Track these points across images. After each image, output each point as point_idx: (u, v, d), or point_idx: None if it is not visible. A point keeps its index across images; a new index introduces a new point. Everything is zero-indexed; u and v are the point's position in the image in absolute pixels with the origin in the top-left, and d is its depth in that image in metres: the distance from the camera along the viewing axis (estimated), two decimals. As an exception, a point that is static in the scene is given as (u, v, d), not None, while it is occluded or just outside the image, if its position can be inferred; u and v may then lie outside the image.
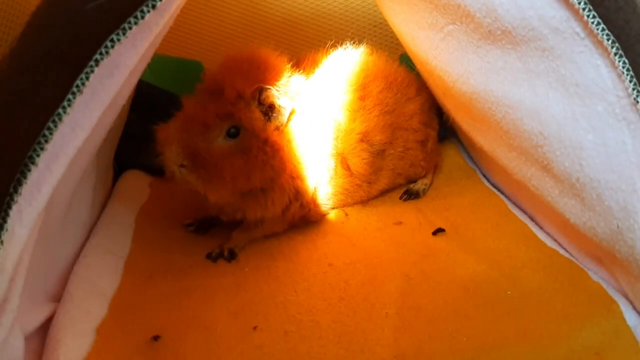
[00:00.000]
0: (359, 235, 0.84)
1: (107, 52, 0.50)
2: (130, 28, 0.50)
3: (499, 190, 0.92)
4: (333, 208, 0.90)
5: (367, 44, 0.98)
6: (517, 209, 0.86)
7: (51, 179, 0.52)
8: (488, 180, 0.96)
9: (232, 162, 0.75)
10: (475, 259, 0.75)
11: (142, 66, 0.70)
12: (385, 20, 1.31)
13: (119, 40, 0.50)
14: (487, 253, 0.76)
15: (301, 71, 0.87)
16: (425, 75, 0.90)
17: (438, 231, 0.82)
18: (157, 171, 1.03)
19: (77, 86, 0.49)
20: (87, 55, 0.49)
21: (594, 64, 0.54)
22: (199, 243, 0.84)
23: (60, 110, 0.49)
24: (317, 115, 0.84)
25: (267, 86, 0.77)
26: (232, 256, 0.80)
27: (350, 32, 1.29)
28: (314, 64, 0.92)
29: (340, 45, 0.97)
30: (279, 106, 0.78)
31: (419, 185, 0.95)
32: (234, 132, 0.76)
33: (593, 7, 0.51)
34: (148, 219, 0.88)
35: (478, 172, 0.99)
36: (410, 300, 0.69)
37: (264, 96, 0.77)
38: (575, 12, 0.53)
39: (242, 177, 0.76)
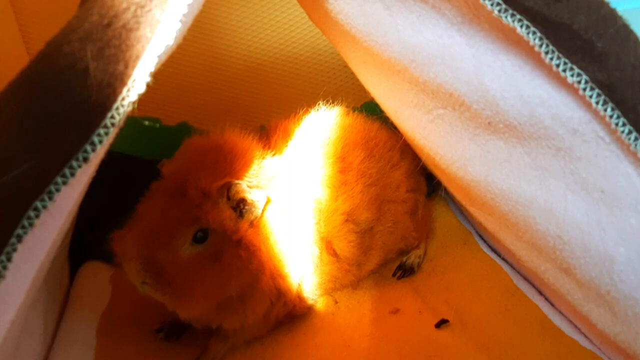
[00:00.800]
0: (353, 331, 0.75)
1: (30, 225, 0.40)
2: (58, 190, 0.40)
3: (498, 255, 0.84)
4: (320, 296, 0.81)
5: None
6: (523, 282, 0.78)
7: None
8: (485, 241, 0.88)
9: (202, 273, 0.66)
10: (486, 358, 0.66)
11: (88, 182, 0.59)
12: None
13: (44, 207, 0.40)
14: (499, 349, 0.67)
15: (272, 148, 0.77)
16: (411, 143, 0.81)
17: (442, 323, 0.73)
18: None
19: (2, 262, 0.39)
20: (6, 232, 0.39)
21: (624, 172, 0.46)
22: (171, 355, 0.74)
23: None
24: (295, 198, 0.75)
25: (236, 181, 0.68)
26: (211, 372, 0.71)
27: (318, 74, 1.21)
28: (286, 134, 0.82)
29: (311, 99, 0.88)
30: (252, 201, 0.68)
31: (412, 259, 0.86)
32: (201, 237, 0.67)
33: (622, 113, 0.43)
34: (111, 330, 0.77)
35: (474, 233, 0.91)
36: None
37: (233, 192, 0.68)
38: (598, 116, 0.44)
39: (215, 289, 0.67)
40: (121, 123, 0.42)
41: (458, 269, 0.83)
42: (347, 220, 0.78)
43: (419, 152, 0.79)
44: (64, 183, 0.40)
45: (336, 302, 0.80)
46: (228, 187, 0.67)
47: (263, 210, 0.70)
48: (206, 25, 1.16)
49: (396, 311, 0.77)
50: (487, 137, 0.56)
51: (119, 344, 0.75)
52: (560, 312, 0.72)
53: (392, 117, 0.73)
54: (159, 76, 1.29)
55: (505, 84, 0.49)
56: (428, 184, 0.93)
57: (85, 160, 0.40)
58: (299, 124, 0.84)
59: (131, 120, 1.23)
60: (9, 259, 0.39)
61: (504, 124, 0.52)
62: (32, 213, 0.39)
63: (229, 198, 0.68)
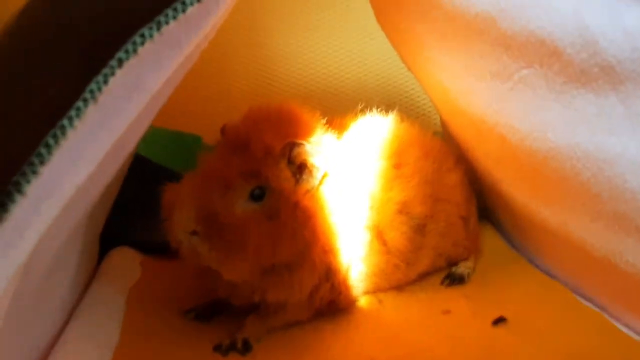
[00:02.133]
0: (400, 326, 0.69)
1: (134, 51, 0.38)
2: (166, 22, 0.39)
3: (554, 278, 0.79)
4: (364, 293, 0.76)
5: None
6: (583, 299, 0.73)
7: (39, 222, 0.38)
8: (538, 268, 0.84)
9: (256, 230, 0.62)
10: (553, 357, 0.61)
11: (160, 103, 0.58)
12: (400, 99, 1.24)
13: (151, 36, 0.38)
14: (565, 349, 0.62)
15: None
16: (469, 143, 0.80)
17: (499, 321, 0.68)
18: (148, 249, 0.89)
19: (92, 92, 0.37)
20: (109, 50, 0.37)
21: None
22: (204, 331, 0.68)
23: (65, 121, 0.36)
24: (349, 181, 0.72)
25: (300, 141, 0.66)
26: (246, 349, 0.64)
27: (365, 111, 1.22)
28: (342, 127, 0.81)
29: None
30: (312, 165, 0.66)
31: (462, 269, 0.81)
32: (258, 194, 0.64)
33: None
34: (140, 302, 0.72)
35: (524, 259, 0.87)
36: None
37: (295, 153, 0.66)
38: None
39: (266, 249, 0.63)
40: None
41: (511, 283, 0.78)
42: (400, 212, 0.75)
43: (476, 149, 0.78)
44: (174, 18, 0.39)
45: (381, 301, 0.75)
46: (291, 147, 0.66)
47: (320, 183, 0.68)
48: (258, 50, 1.19)
49: (447, 312, 0.71)
50: (575, 92, 0.55)
51: (148, 315, 0.70)
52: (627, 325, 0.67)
53: (459, 106, 0.73)
54: (205, 94, 1.30)
55: (606, 19, 0.49)
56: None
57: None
58: (355, 121, 0.83)
59: (173, 135, 1.24)
60: (105, 82, 0.37)
61: (600, 66, 0.51)
62: (138, 39, 0.38)
63: (290, 160, 0.66)
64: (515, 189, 0.74)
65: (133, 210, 0.94)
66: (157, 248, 0.88)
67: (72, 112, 0.36)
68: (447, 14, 0.62)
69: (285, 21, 1.16)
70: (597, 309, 0.70)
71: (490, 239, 0.91)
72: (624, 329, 0.66)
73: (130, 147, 0.58)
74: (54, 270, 0.59)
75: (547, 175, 0.63)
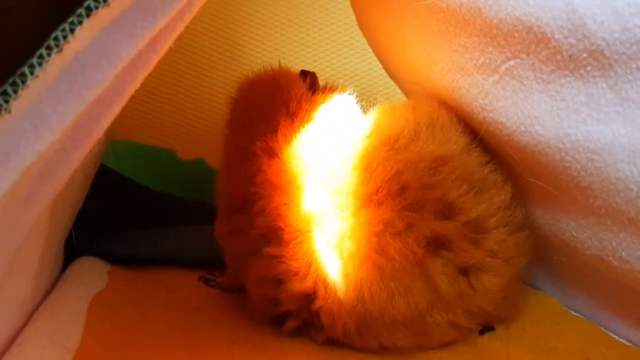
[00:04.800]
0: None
1: (104, 0, 0.35)
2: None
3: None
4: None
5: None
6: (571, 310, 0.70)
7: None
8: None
9: None
10: (545, 360, 0.58)
11: (131, 88, 0.55)
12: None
13: (125, -14, 0.36)
14: (559, 355, 0.59)
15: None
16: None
17: (486, 330, 0.64)
18: (117, 260, 0.85)
19: (56, 39, 0.34)
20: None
21: None
22: (168, 339, 0.64)
23: (25, 69, 0.33)
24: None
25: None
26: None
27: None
28: None
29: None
30: None
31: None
32: None
33: None
34: (104, 309, 0.67)
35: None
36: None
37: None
38: None
39: None
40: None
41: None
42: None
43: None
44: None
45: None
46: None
47: None
48: (234, 63, 1.17)
49: (432, 320, 0.68)
50: (564, 81, 0.53)
51: (112, 320, 0.65)
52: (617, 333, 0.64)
53: (446, 101, 0.71)
54: (179, 107, 1.27)
55: (596, -1, 0.48)
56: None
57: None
58: None
59: (146, 149, 1.20)
60: (72, 30, 0.34)
61: (589, 51, 0.49)
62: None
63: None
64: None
65: (101, 223, 0.90)
66: (125, 260, 0.85)
67: (34, 60, 0.33)
68: (430, 7, 0.61)
69: (263, 33, 1.15)
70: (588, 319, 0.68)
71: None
72: (618, 338, 0.63)
73: (97, 133, 0.54)
74: (16, 266, 0.54)
75: (536, 171, 0.61)
